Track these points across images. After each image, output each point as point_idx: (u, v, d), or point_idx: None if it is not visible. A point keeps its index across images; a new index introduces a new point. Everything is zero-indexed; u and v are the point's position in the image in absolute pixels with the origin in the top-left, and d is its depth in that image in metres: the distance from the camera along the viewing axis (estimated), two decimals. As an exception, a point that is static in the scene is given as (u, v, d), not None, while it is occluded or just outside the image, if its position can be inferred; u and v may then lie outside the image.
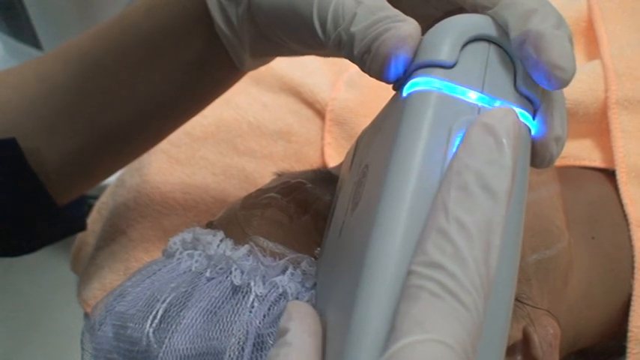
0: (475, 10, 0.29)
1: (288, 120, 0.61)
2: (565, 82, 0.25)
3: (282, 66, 0.63)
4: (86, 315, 0.53)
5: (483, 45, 0.27)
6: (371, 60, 0.28)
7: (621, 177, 0.50)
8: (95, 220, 0.61)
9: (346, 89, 0.62)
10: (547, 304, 0.42)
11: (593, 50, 0.58)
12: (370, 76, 0.29)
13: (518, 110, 0.26)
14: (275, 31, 0.36)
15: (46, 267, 1.18)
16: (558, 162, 0.53)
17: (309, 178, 0.41)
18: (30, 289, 1.22)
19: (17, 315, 1.22)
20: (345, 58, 0.31)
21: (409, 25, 0.28)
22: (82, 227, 0.52)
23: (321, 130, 0.61)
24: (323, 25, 0.31)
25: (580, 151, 0.55)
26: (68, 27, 1.06)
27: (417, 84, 0.26)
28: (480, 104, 0.26)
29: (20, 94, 0.42)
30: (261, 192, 0.41)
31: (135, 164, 0.59)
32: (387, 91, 0.30)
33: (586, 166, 0.54)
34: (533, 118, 0.27)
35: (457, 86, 0.26)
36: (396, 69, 0.28)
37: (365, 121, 0.48)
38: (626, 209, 0.49)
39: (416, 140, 0.25)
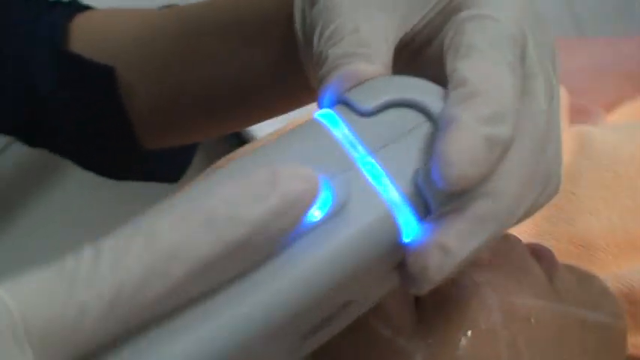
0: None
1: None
2: (453, 183, 0.20)
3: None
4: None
5: (419, 117, 0.23)
6: (320, 84, 0.26)
7: None
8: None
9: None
10: None
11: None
12: None
13: (389, 202, 0.21)
14: None
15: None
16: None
17: None
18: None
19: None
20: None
21: (368, 67, 0.25)
22: (174, 179, 0.53)
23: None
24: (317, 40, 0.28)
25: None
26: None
27: (325, 115, 0.24)
28: (360, 166, 0.22)
29: (132, 33, 0.44)
30: None
31: None
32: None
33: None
34: (420, 219, 0.22)
35: (351, 135, 0.23)
36: (329, 101, 0.25)
37: None
38: None
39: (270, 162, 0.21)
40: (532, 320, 0.33)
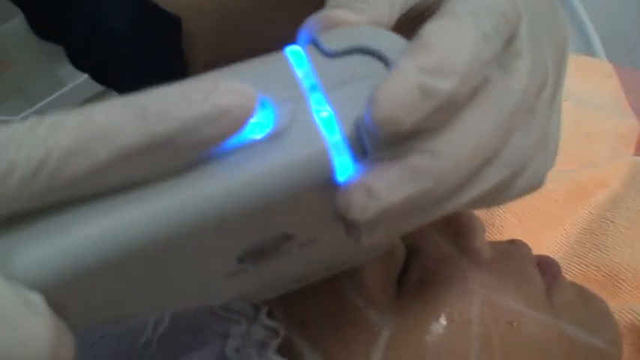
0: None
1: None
2: (378, 123, 0.20)
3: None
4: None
5: (379, 66, 0.24)
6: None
7: None
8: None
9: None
10: None
11: None
12: None
13: (328, 139, 0.22)
14: None
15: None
16: None
17: None
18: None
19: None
20: None
21: (349, 15, 0.25)
22: None
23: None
24: None
25: None
26: None
27: (292, 50, 0.24)
28: (309, 100, 0.22)
29: None
30: None
31: None
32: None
33: None
34: (356, 161, 0.22)
35: (310, 72, 0.23)
36: (302, 39, 0.26)
37: None
38: None
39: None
40: (514, 325, 0.32)
